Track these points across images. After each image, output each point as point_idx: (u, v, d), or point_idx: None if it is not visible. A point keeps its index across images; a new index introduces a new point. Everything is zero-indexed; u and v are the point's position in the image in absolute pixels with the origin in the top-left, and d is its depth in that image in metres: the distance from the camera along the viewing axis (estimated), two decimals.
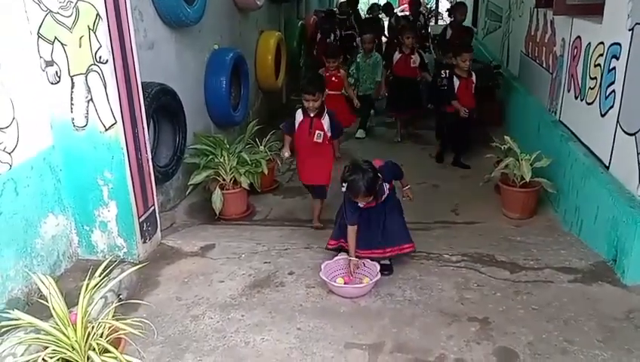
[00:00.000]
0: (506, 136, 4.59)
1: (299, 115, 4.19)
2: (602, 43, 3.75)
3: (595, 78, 3.85)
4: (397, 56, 6.52)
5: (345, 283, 3.15)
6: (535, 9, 5.69)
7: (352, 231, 3.23)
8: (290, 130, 4.21)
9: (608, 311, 2.86)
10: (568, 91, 4.45)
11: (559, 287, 3.11)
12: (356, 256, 3.25)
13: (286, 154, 4.27)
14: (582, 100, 4.12)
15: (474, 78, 5.49)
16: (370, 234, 3.29)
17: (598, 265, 3.31)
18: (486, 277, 3.23)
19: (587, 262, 3.35)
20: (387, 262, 3.33)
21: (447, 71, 5.68)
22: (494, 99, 6.77)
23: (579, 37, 4.26)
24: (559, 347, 2.61)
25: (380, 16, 11.17)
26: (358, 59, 6.55)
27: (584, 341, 2.64)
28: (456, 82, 5.40)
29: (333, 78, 5.80)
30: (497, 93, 6.85)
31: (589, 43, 4.00)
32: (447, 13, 11.16)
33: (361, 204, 3.16)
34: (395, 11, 11.88)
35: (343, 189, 3.15)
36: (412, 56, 6.44)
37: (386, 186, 3.30)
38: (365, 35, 6.66)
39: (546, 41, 5.25)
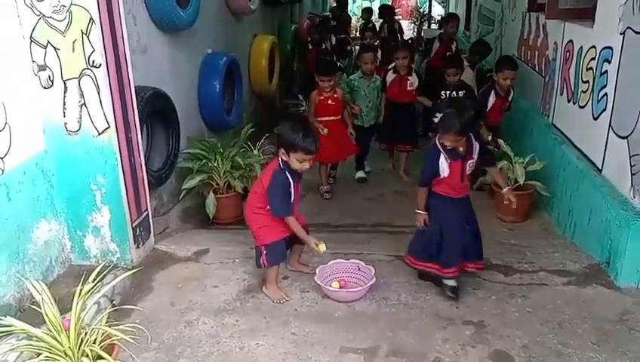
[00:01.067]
0: (499, 140, 4.61)
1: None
2: (594, 47, 3.77)
3: (588, 81, 3.87)
4: (390, 77, 5.42)
5: (340, 288, 3.14)
6: (527, 13, 5.72)
7: (423, 192, 3.03)
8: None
9: (602, 314, 2.88)
10: (561, 95, 4.47)
11: (553, 290, 3.13)
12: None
13: (323, 246, 2.96)
14: (574, 103, 4.14)
15: (510, 97, 4.89)
16: (462, 241, 3.01)
17: (591, 267, 3.33)
18: (481, 280, 3.24)
19: (581, 264, 3.37)
20: (453, 283, 3.06)
21: (447, 93, 5.12)
22: None
23: (571, 41, 4.29)
24: (554, 349, 2.62)
25: (373, 19, 10.42)
26: (356, 82, 5.31)
27: (578, 343, 2.66)
28: (492, 99, 4.77)
29: (330, 101, 4.81)
30: None
31: (581, 47, 4.03)
32: (437, 24, 10.55)
33: (444, 163, 2.87)
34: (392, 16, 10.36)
35: (435, 120, 2.84)
36: (409, 78, 5.35)
37: (476, 147, 2.94)
38: (365, 54, 5.36)
39: (538, 44, 5.28)
